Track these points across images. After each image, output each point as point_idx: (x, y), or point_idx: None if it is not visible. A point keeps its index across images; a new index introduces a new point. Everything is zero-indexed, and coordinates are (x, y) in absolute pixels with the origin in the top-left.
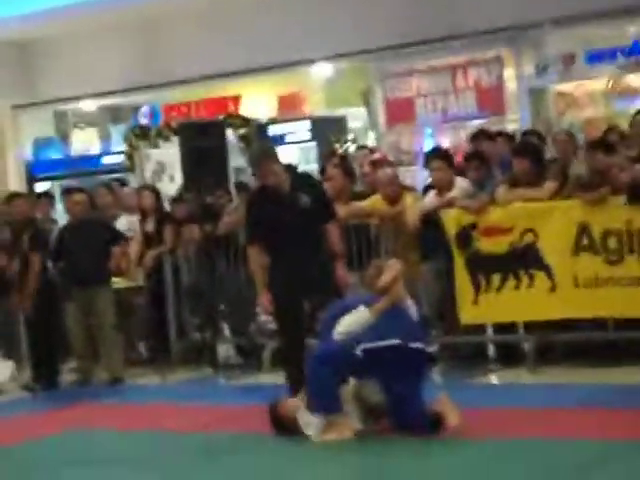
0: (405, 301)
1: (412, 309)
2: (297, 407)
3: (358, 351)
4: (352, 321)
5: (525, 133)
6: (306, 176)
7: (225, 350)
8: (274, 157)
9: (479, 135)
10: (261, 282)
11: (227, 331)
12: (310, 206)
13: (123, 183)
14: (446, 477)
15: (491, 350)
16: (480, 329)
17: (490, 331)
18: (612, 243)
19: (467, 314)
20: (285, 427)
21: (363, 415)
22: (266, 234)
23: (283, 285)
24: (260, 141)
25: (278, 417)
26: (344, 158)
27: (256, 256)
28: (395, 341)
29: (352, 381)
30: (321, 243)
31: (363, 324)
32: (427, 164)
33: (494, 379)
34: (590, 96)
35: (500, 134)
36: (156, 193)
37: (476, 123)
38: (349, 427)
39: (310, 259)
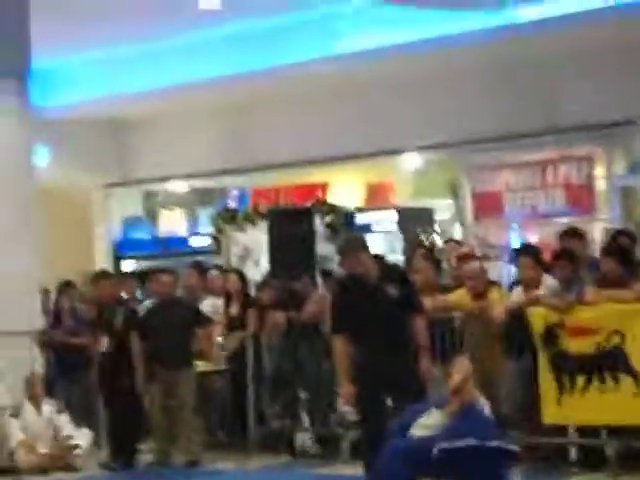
0: (478, 400)
1: (485, 408)
2: None
3: (435, 451)
4: (426, 424)
5: (617, 233)
6: (394, 267)
7: (303, 438)
8: (363, 247)
9: (569, 233)
10: (345, 372)
11: (306, 419)
12: (397, 297)
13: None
14: None
15: (573, 452)
16: (562, 430)
17: (572, 433)
18: None
19: (550, 414)
20: None
21: None
22: (352, 324)
23: (366, 378)
24: (349, 230)
25: None
26: (431, 250)
27: (341, 346)
28: (472, 441)
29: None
30: (407, 335)
31: (436, 427)
32: (515, 260)
33: None
34: None
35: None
36: (242, 277)
37: (565, 220)
38: None
39: (395, 351)
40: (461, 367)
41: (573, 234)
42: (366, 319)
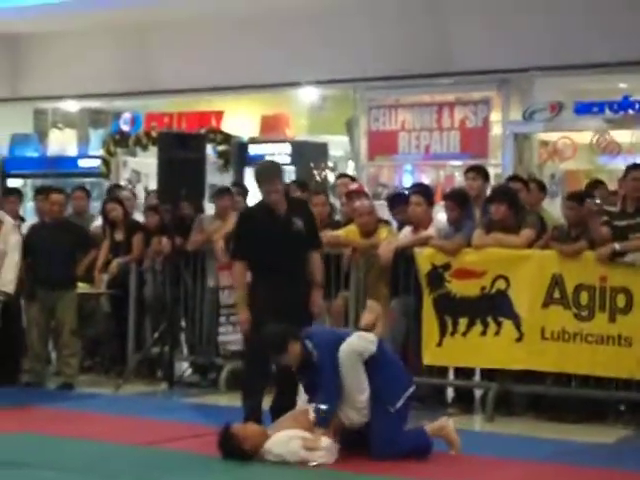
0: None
1: None
2: (262, 433)
3: (392, 410)
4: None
5: (509, 178)
6: (300, 200)
7: (182, 367)
8: (281, 176)
9: (474, 170)
10: (242, 299)
11: (185, 348)
12: (303, 231)
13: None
14: None
15: (450, 394)
16: (441, 372)
17: (452, 375)
18: (584, 298)
19: (431, 355)
20: (236, 449)
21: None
22: (254, 251)
23: (264, 307)
24: (243, 161)
25: (232, 438)
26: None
27: (240, 271)
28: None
29: None
30: (305, 269)
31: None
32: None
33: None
34: (574, 148)
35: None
36: (123, 204)
37: (458, 163)
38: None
39: (293, 284)
40: (372, 308)
41: (478, 171)
42: (270, 248)
